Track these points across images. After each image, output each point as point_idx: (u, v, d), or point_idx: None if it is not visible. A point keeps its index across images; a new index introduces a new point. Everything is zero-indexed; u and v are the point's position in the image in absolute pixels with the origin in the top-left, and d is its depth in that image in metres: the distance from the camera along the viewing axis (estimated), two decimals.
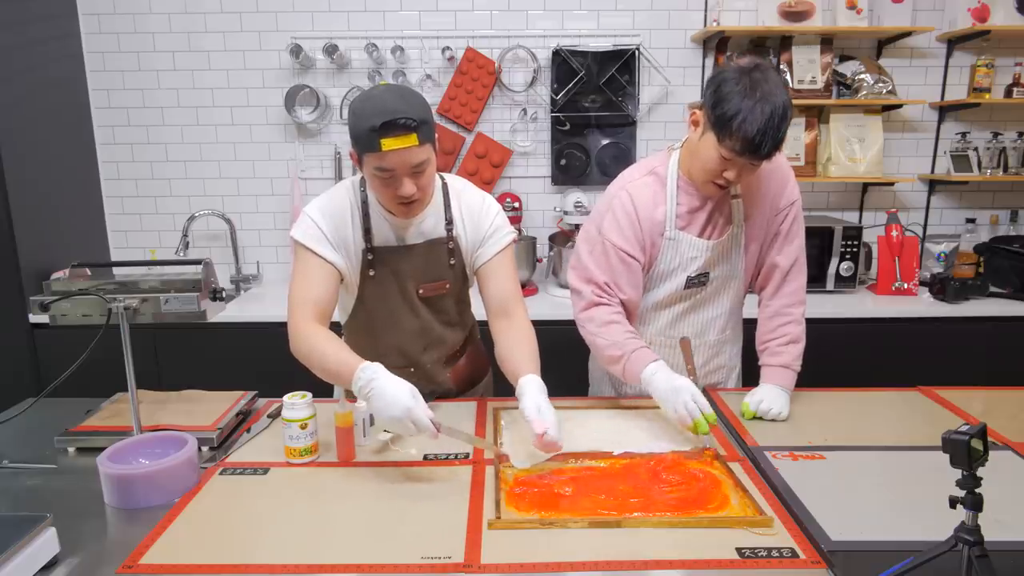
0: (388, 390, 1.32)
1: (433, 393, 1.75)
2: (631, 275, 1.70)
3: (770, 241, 1.76)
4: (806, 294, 1.79)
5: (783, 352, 1.74)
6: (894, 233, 2.88)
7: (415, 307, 1.66)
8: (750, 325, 1.89)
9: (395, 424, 1.32)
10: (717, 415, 1.69)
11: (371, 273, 1.60)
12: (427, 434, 1.32)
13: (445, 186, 1.63)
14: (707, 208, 1.69)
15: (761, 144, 1.46)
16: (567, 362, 2.10)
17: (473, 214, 1.63)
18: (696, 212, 1.69)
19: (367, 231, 1.57)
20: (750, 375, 1.88)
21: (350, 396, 1.47)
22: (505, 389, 2.01)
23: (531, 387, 1.45)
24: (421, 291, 1.65)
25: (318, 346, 1.46)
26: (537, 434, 1.37)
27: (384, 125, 1.35)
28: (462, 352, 1.83)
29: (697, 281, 1.73)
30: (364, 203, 1.57)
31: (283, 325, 2.62)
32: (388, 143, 1.36)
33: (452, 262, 1.64)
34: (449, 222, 1.62)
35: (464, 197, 1.65)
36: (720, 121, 1.48)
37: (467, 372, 1.84)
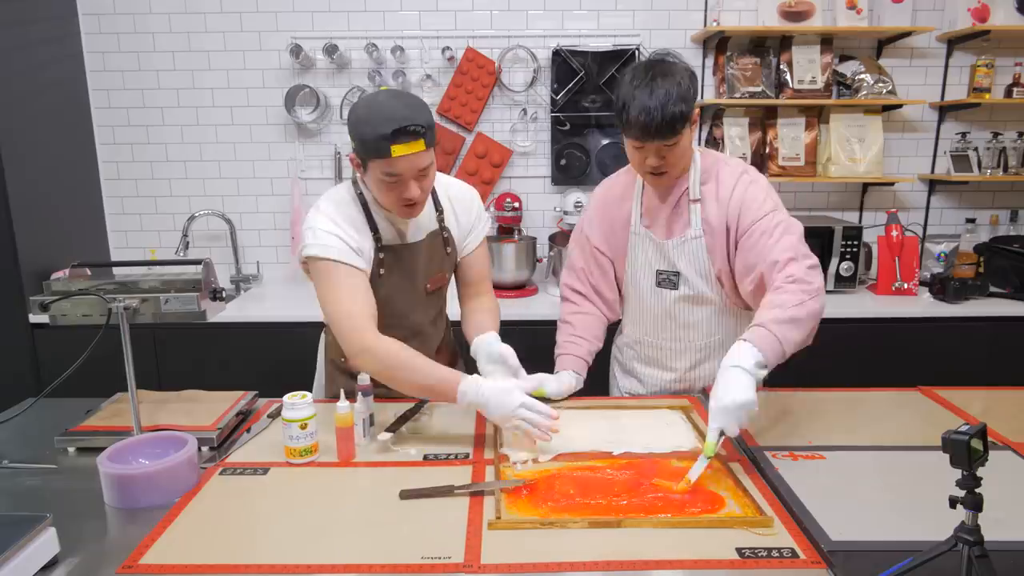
0: (497, 392, 1.41)
1: None
2: (605, 273, 1.80)
3: (747, 252, 1.61)
4: (805, 285, 1.50)
5: (760, 315, 1.46)
6: (894, 233, 2.88)
7: (417, 304, 1.70)
8: None
9: (508, 421, 1.41)
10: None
11: (381, 272, 1.62)
12: (543, 427, 1.40)
13: None
14: (667, 208, 1.70)
15: (650, 123, 1.49)
16: None
17: (463, 203, 1.71)
18: (656, 211, 1.72)
19: (375, 231, 1.60)
20: None
21: (350, 396, 1.47)
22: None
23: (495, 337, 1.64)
24: (429, 285, 1.69)
25: (407, 362, 1.47)
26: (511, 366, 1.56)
27: (395, 132, 1.38)
28: (441, 344, 1.86)
29: (667, 279, 1.73)
30: (366, 205, 1.59)
31: (283, 325, 2.68)
32: (398, 149, 1.40)
33: (448, 250, 1.70)
34: (440, 212, 1.67)
35: (450, 187, 1.71)
36: (618, 114, 1.55)
37: (443, 362, 1.85)
